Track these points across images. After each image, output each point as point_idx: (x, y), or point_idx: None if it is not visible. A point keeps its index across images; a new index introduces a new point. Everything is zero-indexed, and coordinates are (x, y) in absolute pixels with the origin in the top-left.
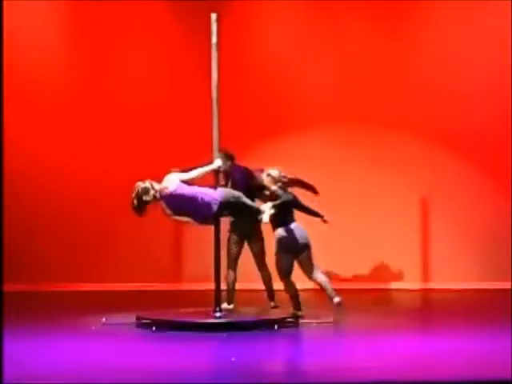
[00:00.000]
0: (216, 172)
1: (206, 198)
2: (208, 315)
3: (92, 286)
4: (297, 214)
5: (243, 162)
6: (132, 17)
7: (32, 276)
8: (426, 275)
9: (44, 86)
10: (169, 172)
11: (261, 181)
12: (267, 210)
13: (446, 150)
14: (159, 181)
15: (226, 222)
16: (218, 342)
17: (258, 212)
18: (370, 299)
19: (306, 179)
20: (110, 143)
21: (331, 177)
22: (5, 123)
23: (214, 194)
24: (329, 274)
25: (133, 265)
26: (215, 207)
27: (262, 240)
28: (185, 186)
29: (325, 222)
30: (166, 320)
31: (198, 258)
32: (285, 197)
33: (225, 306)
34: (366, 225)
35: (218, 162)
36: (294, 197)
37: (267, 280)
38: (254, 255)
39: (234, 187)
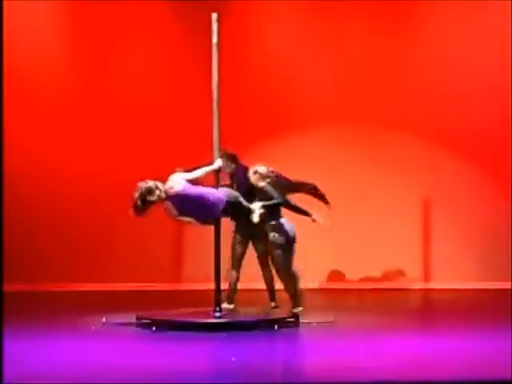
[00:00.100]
0: (217, 172)
1: (212, 198)
2: (208, 315)
3: (92, 286)
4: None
5: (243, 162)
6: (132, 17)
7: (32, 276)
8: (425, 275)
9: (44, 86)
10: (172, 171)
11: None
12: (257, 209)
13: (446, 150)
14: (160, 181)
15: (227, 222)
16: (218, 342)
17: (250, 212)
18: (370, 299)
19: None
20: (110, 143)
21: (331, 177)
22: (5, 123)
23: (219, 194)
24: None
25: (133, 265)
26: (221, 207)
27: (266, 240)
28: (191, 185)
29: (314, 221)
30: (166, 320)
31: (198, 258)
32: (276, 196)
33: (225, 305)
34: (366, 225)
35: (218, 162)
36: (284, 196)
37: (269, 280)
38: (259, 255)
39: (238, 188)
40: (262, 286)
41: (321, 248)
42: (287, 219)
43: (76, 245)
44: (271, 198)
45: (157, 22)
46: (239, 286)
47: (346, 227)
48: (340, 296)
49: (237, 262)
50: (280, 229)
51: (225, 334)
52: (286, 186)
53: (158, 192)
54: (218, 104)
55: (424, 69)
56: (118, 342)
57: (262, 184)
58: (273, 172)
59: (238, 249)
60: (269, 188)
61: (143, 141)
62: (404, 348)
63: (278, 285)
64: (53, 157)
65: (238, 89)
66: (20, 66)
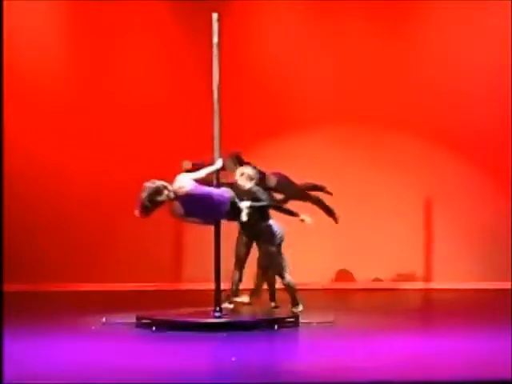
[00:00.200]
0: (217, 172)
1: (219, 197)
2: (208, 315)
3: (92, 286)
4: None
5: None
6: (132, 17)
7: (32, 276)
8: (426, 275)
9: (44, 85)
10: (172, 171)
11: (273, 184)
12: (245, 208)
13: (446, 150)
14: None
15: (227, 222)
16: (218, 342)
17: (239, 211)
18: (370, 299)
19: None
20: (110, 143)
21: (331, 177)
22: (5, 123)
23: (225, 194)
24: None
25: (133, 265)
26: (227, 206)
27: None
28: (198, 185)
29: (302, 221)
30: (166, 320)
31: (198, 258)
32: (264, 198)
33: (225, 305)
34: (366, 225)
35: (219, 162)
36: (272, 197)
37: (271, 281)
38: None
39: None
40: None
41: (321, 248)
42: (275, 222)
43: (76, 245)
44: (259, 200)
45: (157, 22)
46: (239, 286)
47: (345, 227)
48: (340, 296)
49: (240, 263)
50: (270, 230)
51: (225, 334)
52: (292, 189)
53: (166, 192)
54: (219, 104)
55: (424, 69)
56: (118, 341)
57: (249, 185)
58: (260, 172)
59: (242, 250)
60: (256, 189)
61: (143, 141)
62: (404, 348)
63: (278, 285)
64: (53, 157)
65: (238, 89)
66: (20, 66)
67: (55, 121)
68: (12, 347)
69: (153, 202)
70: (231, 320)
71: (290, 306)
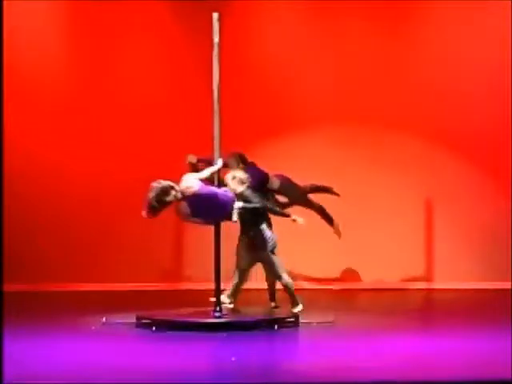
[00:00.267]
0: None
1: (224, 197)
2: (208, 315)
3: (92, 286)
4: None
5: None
6: (132, 17)
7: (32, 276)
8: (426, 275)
9: (44, 86)
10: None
11: (276, 186)
12: (235, 209)
13: (446, 150)
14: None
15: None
16: (218, 342)
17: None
18: (370, 299)
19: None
20: (110, 143)
21: (331, 177)
22: (5, 123)
23: (228, 193)
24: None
25: (133, 265)
26: (231, 206)
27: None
28: (204, 185)
29: (294, 221)
30: (166, 320)
31: (198, 257)
32: (256, 201)
33: (226, 304)
34: (366, 225)
35: (220, 162)
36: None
37: (272, 281)
38: None
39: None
40: (262, 285)
41: (321, 248)
42: (267, 227)
43: (76, 245)
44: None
45: (157, 22)
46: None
47: (345, 227)
48: (340, 296)
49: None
50: (262, 235)
51: (225, 334)
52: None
53: (173, 192)
54: (219, 104)
55: (424, 69)
56: (118, 341)
57: (241, 189)
58: (263, 174)
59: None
60: (248, 193)
61: (143, 141)
62: (404, 348)
63: (278, 285)
64: (53, 157)
65: (238, 89)
66: (20, 66)
67: (55, 121)
68: (12, 347)
69: (160, 203)
70: (231, 320)
71: (289, 306)
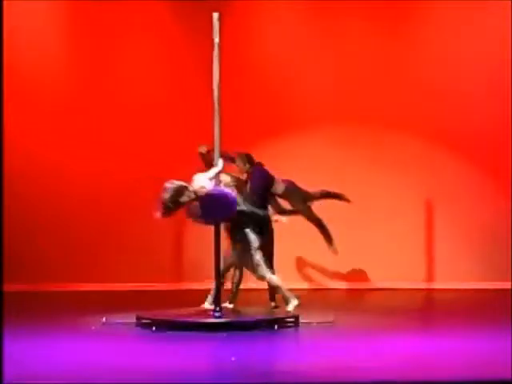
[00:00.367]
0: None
1: (231, 197)
2: (208, 315)
3: (92, 286)
4: None
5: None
6: (132, 17)
7: (32, 276)
8: (426, 275)
9: (44, 86)
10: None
11: (280, 191)
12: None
13: (446, 150)
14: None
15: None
16: (218, 342)
17: None
18: (370, 299)
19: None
20: (110, 143)
21: (331, 177)
22: (5, 123)
23: (233, 193)
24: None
25: (133, 265)
26: (236, 206)
27: (272, 243)
28: (215, 185)
29: (276, 221)
30: (166, 320)
31: (198, 258)
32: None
33: (225, 304)
34: (366, 225)
35: (221, 163)
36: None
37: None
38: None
39: (253, 189)
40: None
41: (321, 248)
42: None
43: (76, 245)
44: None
45: (157, 22)
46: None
47: (345, 227)
48: (340, 296)
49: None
50: (246, 238)
51: (225, 334)
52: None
53: (187, 192)
54: (219, 104)
55: (424, 69)
56: (118, 341)
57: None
58: (239, 179)
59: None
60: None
61: (143, 141)
62: (404, 348)
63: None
64: (53, 157)
65: (238, 89)
66: (20, 66)
67: (55, 121)
68: (12, 347)
69: (175, 203)
70: (231, 320)
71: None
